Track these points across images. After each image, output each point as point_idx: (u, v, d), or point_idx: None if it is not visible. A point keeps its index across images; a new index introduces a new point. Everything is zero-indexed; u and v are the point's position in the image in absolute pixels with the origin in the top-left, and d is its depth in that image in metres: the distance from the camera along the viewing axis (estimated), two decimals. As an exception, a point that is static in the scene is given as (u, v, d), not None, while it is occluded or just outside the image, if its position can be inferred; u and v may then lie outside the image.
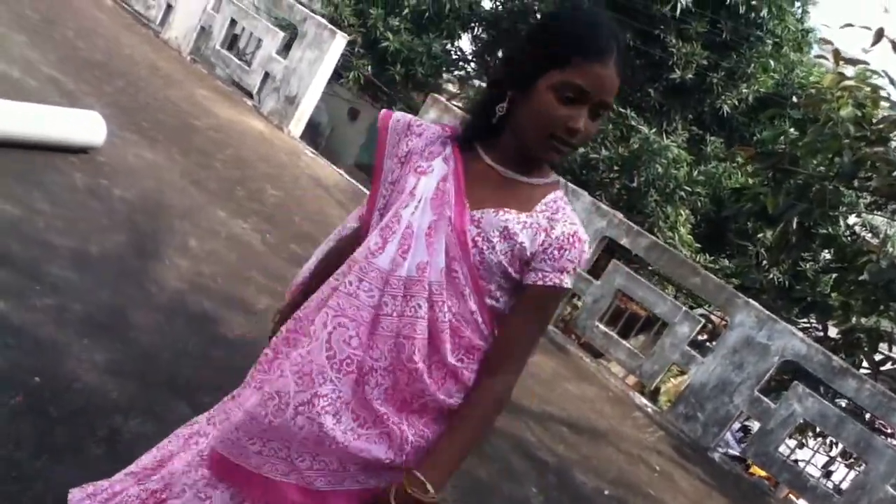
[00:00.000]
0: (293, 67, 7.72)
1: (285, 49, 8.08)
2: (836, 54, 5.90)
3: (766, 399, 5.85)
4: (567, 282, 1.41)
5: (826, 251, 9.94)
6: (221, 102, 7.29)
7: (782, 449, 6.12)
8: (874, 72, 6.05)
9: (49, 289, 3.04)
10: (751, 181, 9.24)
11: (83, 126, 4.33)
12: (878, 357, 7.25)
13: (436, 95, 7.20)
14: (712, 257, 10.20)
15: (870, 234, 10.26)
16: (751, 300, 6.01)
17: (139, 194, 4.35)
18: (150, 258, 3.77)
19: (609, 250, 7.43)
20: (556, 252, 1.40)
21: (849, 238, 9.63)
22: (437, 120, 7.00)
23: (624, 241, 6.50)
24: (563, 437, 4.65)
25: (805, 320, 10.05)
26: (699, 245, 10.10)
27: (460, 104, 12.51)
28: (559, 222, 1.42)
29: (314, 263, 1.71)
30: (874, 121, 5.88)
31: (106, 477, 1.78)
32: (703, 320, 6.54)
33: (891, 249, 8.70)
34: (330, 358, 1.37)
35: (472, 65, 15.32)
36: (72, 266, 3.28)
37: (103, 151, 4.50)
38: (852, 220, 10.39)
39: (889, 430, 7.14)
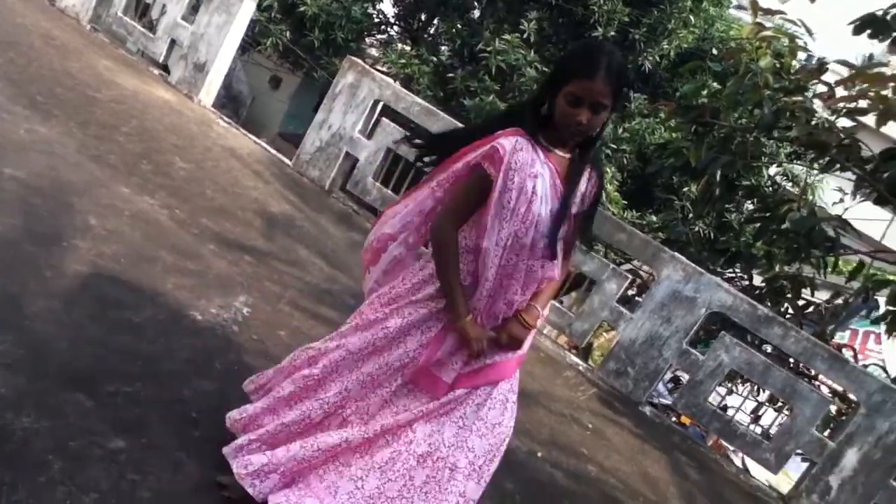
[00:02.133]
0: (200, 33, 7.33)
1: (193, 14, 7.68)
2: (754, 5, 5.87)
3: (694, 351, 5.90)
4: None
5: (749, 202, 10.12)
6: (125, 72, 6.89)
7: (713, 398, 6.20)
8: (791, 22, 6.05)
9: (-77, 279, 2.78)
10: (674, 136, 9.28)
11: (-37, 101, 4.00)
12: (801, 303, 7.40)
13: (353, 58, 6.93)
14: (639, 213, 10.25)
15: (791, 184, 10.49)
16: (677, 254, 6.03)
17: (32, 172, 4.04)
18: (45, 241, 3.51)
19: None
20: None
21: (771, 188, 9.82)
22: (356, 83, 6.76)
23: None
24: (494, 403, 4.57)
25: (731, 270, 10.24)
26: (626, 202, 10.13)
27: (384, 69, 12.23)
28: None
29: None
30: (792, 71, 5.90)
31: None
32: (631, 276, 6.54)
33: (811, 198, 8.89)
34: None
35: (396, 28, 14.98)
36: (-49, 253, 3.02)
37: (-11, 128, 4.18)
38: (774, 170, 10.60)
39: (814, 374, 7.32)
